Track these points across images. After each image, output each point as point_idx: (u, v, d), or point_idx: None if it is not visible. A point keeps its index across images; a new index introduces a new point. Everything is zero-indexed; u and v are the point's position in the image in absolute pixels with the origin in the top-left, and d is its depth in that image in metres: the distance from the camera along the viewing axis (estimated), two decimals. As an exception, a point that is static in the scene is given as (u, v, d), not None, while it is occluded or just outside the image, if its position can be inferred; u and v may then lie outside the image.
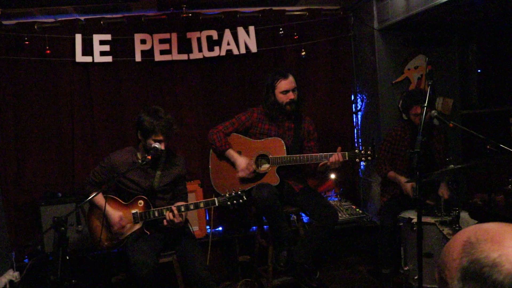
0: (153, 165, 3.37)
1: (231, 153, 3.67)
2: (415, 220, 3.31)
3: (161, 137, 3.23)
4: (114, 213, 3.31)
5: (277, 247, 3.63)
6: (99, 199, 3.30)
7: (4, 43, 4.27)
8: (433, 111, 3.36)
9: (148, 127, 3.19)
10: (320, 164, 3.51)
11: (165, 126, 3.22)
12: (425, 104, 2.87)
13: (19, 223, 4.34)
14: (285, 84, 3.64)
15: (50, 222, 3.87)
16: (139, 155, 3.36)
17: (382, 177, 4.13)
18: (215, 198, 3.26)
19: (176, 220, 3.21)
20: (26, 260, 4.15)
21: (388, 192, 4.12)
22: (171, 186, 3.47)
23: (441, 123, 4.06)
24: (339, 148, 3.48)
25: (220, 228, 4.71)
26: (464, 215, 3.49)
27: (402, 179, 3.87)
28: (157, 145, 3.21)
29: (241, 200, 3.23)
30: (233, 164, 3.68)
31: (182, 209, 3.25)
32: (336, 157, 3.42)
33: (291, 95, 3.65)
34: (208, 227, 4.50)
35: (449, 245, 1.00)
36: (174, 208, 3.23)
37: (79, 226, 4.11)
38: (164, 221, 3.24)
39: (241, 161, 3.62)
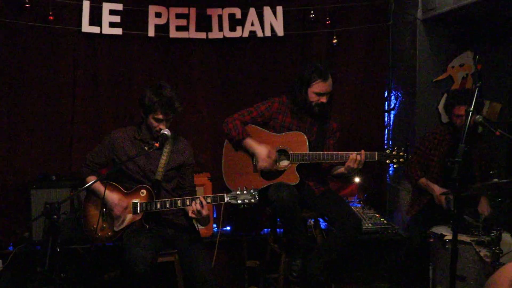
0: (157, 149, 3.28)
1: (249, 142, 3.47)
2: (448, 237, 3.20)
3: (160, 116, 3.12)
4: (113, 195, 3.21)
5: (290, 254, 3.47)
6: (98, 186, 3.19)
7: (3, 4, 4.15)
8: (477, 116, 3.14)
9: (147, 103, 3.11)
10: (335, 172, 3.50)
11: (165, 104, 3.11)
12: (471, 108, 2.68)
13: (6, 206, 4.24)
14: (323, 86, 3.49)
15: (41, 207, 3.85)
16: (140, 133, 3.30)
17: (413, 184, 4.00)
18: (224, 194, 3.09)
19: (204, 213, 3.07)
20: (10, 248, 4.06)
21: (419, 202, 3.95)
22: (174, 173, 3.34)
23: (486, 130, 4.04)
24: (363, 151, 3.31)
25: (228, 228, 4.57)
26: (506, 236, 3.26)
27: (436, 187, 3.75)
28: (166, 131, 3.13)
29: (253, 200, 3.05)
30: (251, 156, 3.52)
31: (209, 200, 3.11)
32: (355, 156, 3.23)
33: (323, 99, 3.51)
34: (215, 225, 4.40)
35: (494, 279, 1.07)
36: (202, 198, 3.10)
37: (73, 214, 3.96)
38: (190, 212, 3.10)
39: (261, 150, 3.43)
